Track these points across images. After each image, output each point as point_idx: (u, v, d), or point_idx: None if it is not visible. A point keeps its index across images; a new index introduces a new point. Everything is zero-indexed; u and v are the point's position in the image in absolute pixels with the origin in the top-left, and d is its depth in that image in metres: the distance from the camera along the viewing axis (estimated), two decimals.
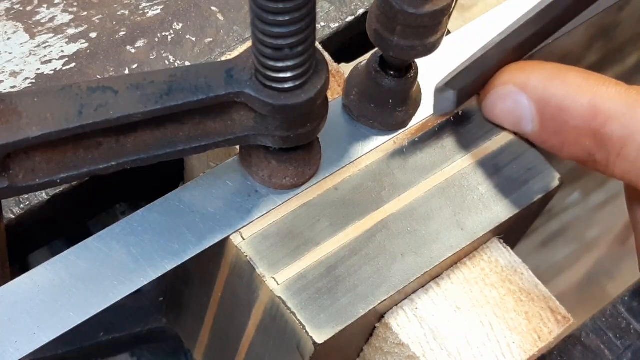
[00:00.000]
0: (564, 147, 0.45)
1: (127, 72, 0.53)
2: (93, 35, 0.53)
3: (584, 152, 0.44)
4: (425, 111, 0.48)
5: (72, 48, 0.53)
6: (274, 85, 0.39)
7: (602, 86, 0.43)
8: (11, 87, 0.51)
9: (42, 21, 0.53)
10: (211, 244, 0.43)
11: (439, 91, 0.46)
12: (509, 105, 0.46)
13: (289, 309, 0.42)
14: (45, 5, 0.54)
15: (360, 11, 0.57)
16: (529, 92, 0.45)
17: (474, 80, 0.46)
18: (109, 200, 0.57)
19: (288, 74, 0.39)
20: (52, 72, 0.52)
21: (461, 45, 0.50)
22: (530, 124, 0.46)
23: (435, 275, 0.45)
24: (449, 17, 0.42)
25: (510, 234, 0.48)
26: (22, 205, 0.49)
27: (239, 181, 0.45)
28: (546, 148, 0.47)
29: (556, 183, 0.47)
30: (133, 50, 0.53)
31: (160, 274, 0.42)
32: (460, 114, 0.48)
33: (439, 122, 0.48)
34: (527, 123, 0.46)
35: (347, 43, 0.58)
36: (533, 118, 0.45)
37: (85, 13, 0.54)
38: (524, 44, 0.46)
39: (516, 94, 0.45)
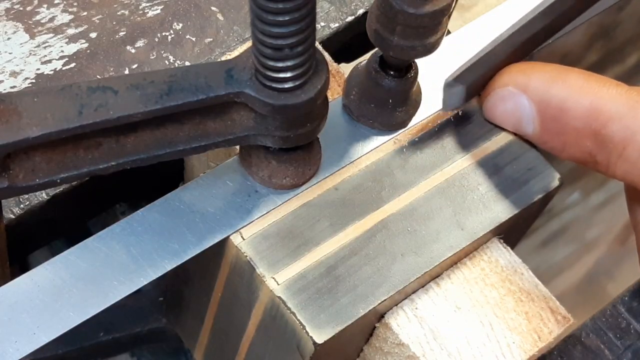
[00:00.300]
0: (564, 148, 0.45)
1: (127, 72, 0.53)
2: (93, 35, 0.53)
3: (585, 153, 0.44)
4: (425, 111, 0.48)
5: (72, 48, 0.53)
6: (274, 85, 0.39)
7: (603, 87, 0.43)
8: (11, 87, 0.51)
9: (42, 21, 0.53)
10: (211, 244, 0.43)
11: (449, 86, 0.46)
12: (510, 106, 0.46)
13: (289, 309, 0.42)
14: (45, 5, 0.54)
15: (360, 11, 0.57)
16: (530, 94, 0.45)
17: (482, 75, 0.46)
18: (109, 200, 0.57)
19: (288, 74, 0.39)
20: (52, 72, 0.52)
21: (461, 45, 0.50)
22: (530, 125, 0.46)
23: (435, 275, 0.45)
24: (449, 17, 0.42)
25: (510, 234, 0.48)
26: (22, 205, 0.49)
27: (239, 181, 0.45)
28: (547, 149, 0.47)
29: (556, 183, 0.47)
30: (133, 50, 0.53)
31: (160, 274, 0.42)
32: (460, 114, 0.48)
33: (439, 122, 0.48)
34: (527, 124, 0.46)
35: (347, 43, 0.58)
36: (534, 119, 0.45)
37: (85, 13, 0.54)
38: (532, 39, 0.46)
39: (517, 95, 0.45)
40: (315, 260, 0.43)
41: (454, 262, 0.46)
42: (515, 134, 0.48)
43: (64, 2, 0.54)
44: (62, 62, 0.52)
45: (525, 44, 0.46)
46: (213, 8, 0.56)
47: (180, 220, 0.43)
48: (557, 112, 0.44)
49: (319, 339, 0.41)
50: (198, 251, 0.43)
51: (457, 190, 0.46)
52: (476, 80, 0.46)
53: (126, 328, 0.55)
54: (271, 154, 0.43)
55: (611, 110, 0.43)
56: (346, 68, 0.50)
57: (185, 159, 0.52)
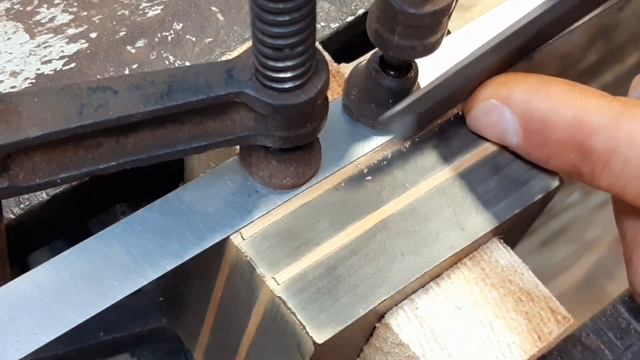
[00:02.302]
0: (549, 159, 0.45)
1: (127, 72, 0.53)
2: (93, 35, 0.53)
3: (569, 165, 0.44)
4: None
5: (72, 48, 0.53)
6: (274, 85, 0.39)
7: (585, 98, 0.43)
8: (11, 87, 0.51)
9: (42, 21, 0.53)
10: (211, 244, 0.43)
11: (399, 115, 0.46)
12: (493, 119, 0.46)
13: (289, 309, 0.42)
14: (45, 5, 0.54)
15: (360, 11, 0.57)
16: (513, 106, 0.45)
17: (435, 104, 0.46)
18: (109, 200, 0.57)
19: (288, 74, 0.39)
20: (52, 72, 0.52)
21: (461, 45, 0.50)
22: (514, 138, 0.46)
23: (435, 275, 0.45)
24: (449, 17, 0.42)
25: (510, 234, 0.48)
26: (22, 205, 0.49)
27: (239, 181, 0.45)
28: (532, 160, 0.46)
29: (556, 183, 0.47)
30: (133, 50, 0.53)
31: (160, 274, 0.42)
32: (460, 114, 0.48)
33: (439, 122, 0.48)
34: (511, 136, 0.46)
35: (347, 43, 0.58)
36: (517, 131, 0.45)
37: (85, 13, 0.54)
38: (487, 71, 0.46)
39: (499, 108, 0.45)
40: (315, 260, 0.43)
41: (454, 262, 0.46)
42: None
43: (64, 2, 0.54)
44: (62, 62, 0.52)
45: (479, 76, 0.46)
46: (213, 8, 0.56)
47: (180, 220, 0.43)
48: (540, 124, 0.44)
49: (319, 339, 0.41)
50: (198, 251, 0.43)
51: (457, 190, 0.46)
52: (428, 110, 0.46)
53: (126, 328, 0.55)
54: (271, 154, 0.43)
55: (594, 122, 0.43)
56: (346, 68, 0.50)
57: (185, 159, 0.52)
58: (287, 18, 0.36)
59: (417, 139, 0.47)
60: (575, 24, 0.47)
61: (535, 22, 0.43)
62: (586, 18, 0.48)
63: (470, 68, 0.44)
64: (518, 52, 0.46)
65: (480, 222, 0.45)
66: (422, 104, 0.45)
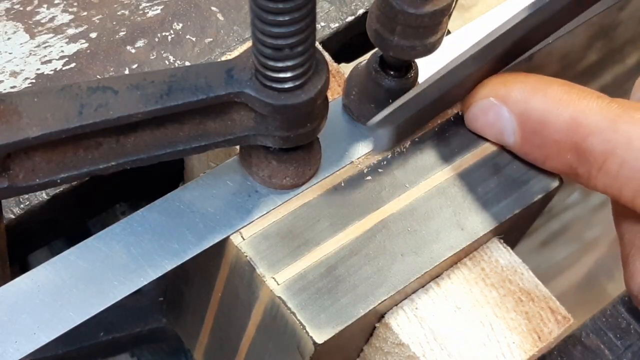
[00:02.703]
0: (546, 160, 0.45)
1: (127, 72, 0.53)
2: (93, 35, 0.53)
3: (566, 166, 0.44)
4: None
5: (72, 48, 0.53)
6: (274, 85, 0.39)
7: (583, 100, 0.43)
8: (11, 87, 0.51)
9: (42, 21, 0.53)
10: (211, 244, 0.43)
11: (375, 127, 0.45)
12: (491, 118, 0.46)
13: (289, 309, 0.42)
14: (45, 5, 0.54)
15: (360, 11, 0.57)
16: (510, 106, 0.45)
17: (413, 116, 0.46)
18: (109, 200, 0.57)
19: (288, 74, 0.39)
20: (52, 72, 0.52)
21: (461, 45, 0.50)
22: (512, 137, 0.46)
23: (435, 275, 0.45)
24: (449, 17, 0.42)
25: (510, 234, 0.48)
26: (22, 205, 0.49)
27: (239, 181, 0.45)
28: (529, 160, 0.46)
29: (556, 183, 0.47)
30: (133, 50, 0.53)
31: (160, 274, 0.42)
32: (460, 114, 0.48)
33: (439, 122, 0.48)
34: (508, 136, 0.46)
35: (347, 43, 0.58)
36: (514, 131, 0.45)
37: (85, 13, 0.54)
38: (463, 81, 0.46)
39: (497, 107, 0.45)
40: (315, 260, 0.43)
41: (454, 262, 0.46)
42: None
43: (64, 2, 0.54)
44: (62, 62, 0.52)
45: (456, 87, 0.46)
46: (213, 8, 0.56)
47: (180, 220, 0.43)
48: (538, 125, 0.44)
49: (319, 339, 0.41)
50: (198, 251, 0.43)
51: (457, 190, 0.46)
52: (406, 121, 0.46)
53: (126, 328, 0.55)
54: (271, 154, 0.43)
55: (591, 124, 0.43)
56: (346, 68, 0.50)
57: (185, 159, 0.52)
58: (287, 18, 0.36)
59: (416, 139, 0.47)
60: (575, 25, 0.47)
61: (516, 29, 0.43)
62: (586, 18, 0.48)
63: (448, 78, 0.44)
64: (506, 56, 0.46)
65: (480, 222, 0.45)
66: (403, 113, 0.45)
